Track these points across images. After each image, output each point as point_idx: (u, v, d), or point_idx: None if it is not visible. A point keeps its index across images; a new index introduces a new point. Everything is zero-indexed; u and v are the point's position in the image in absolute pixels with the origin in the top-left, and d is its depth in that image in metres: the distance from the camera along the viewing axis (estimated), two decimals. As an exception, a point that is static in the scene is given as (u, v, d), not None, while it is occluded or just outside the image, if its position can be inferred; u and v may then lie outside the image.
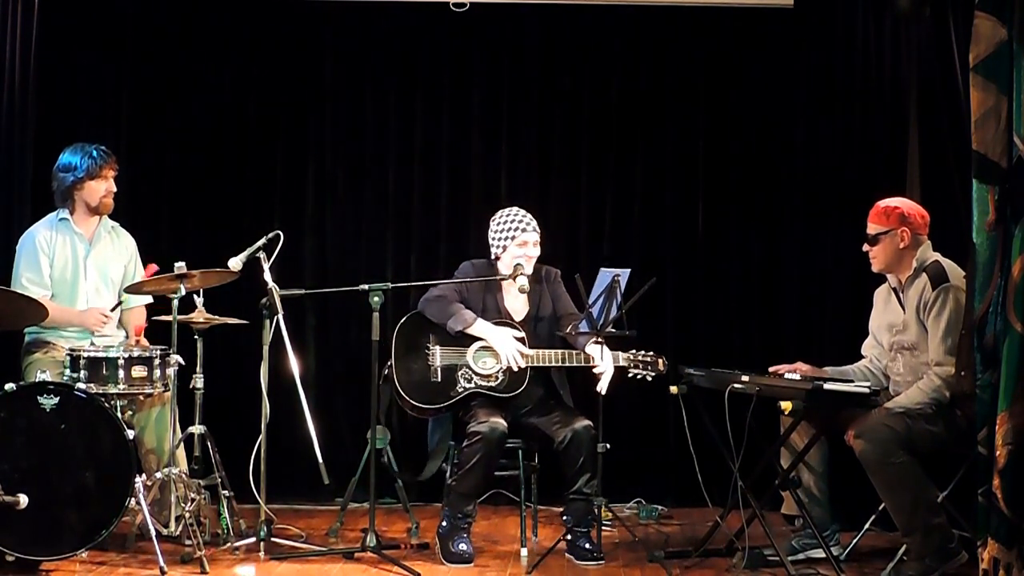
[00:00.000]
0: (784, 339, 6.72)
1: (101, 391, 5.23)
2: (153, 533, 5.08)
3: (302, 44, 6.98)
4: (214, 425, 5.53)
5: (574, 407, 5.63)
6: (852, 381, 5.19)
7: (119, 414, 5.20)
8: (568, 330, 5.54)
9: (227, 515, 5.49)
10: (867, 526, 5.65)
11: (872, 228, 5.31)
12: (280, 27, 6.94)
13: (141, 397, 5.47)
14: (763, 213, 6.91)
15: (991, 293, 4.56)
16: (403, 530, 6.01)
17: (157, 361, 5.35)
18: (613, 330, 5.33)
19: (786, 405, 4.97)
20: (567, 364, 5.55)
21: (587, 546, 5.40)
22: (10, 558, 4.95)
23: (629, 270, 5.32)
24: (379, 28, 6.94)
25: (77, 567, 5.12)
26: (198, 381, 5.43)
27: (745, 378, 5.19)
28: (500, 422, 5.34)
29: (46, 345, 5.64)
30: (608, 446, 5.30)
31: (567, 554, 5.45)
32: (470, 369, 5.53)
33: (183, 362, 5.39)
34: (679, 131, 6.95)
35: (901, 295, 5.31)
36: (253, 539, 5.38)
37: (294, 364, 5.32)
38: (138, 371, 5.31)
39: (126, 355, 5.31)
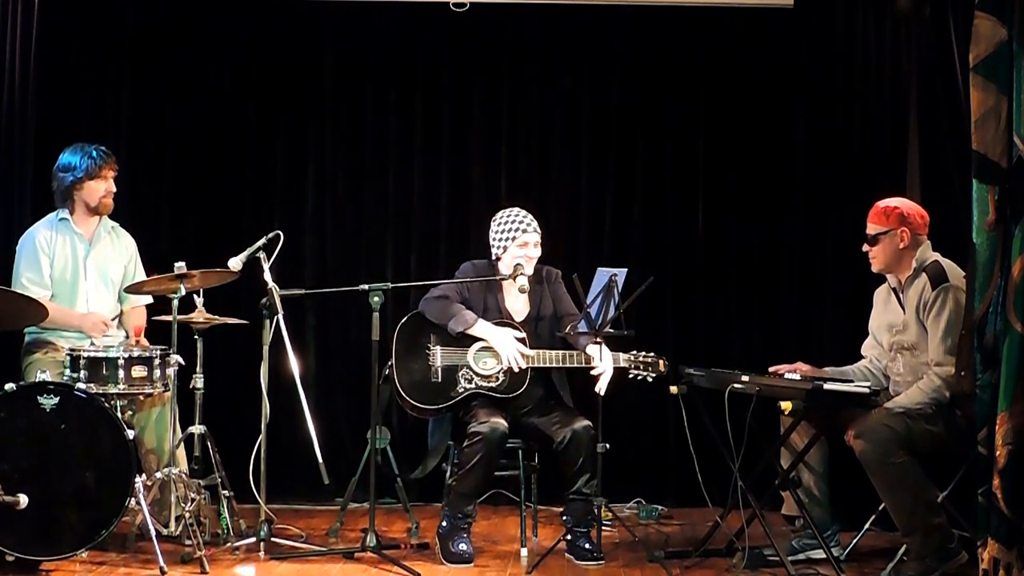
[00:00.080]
0: (784, 339, 6.72)
1: (101, 391, 5.23)
2: (153, 533, 5.08)
3: (302, 44, 6.98)
4: (214, 425, 5.53)
5: (574, 407, 5.63)
6: (852, 381, 5.19)
7: (119, 414, 5.20)
8: (567, 330, 5.54)
9: (227, 515, 5.49)
10: (867, 526, 5.65)
11: (872, 228, 5.31)
12: (280, 27, 6.94)
13: (141, 397, 5.47)
14: (763, 213, 6.91)
15: (991, 293, 4.56)
16: (403, 530, 6.01)
17: (157, 361, 5.35)
18: (611, 330, 5.34)
19: (786, 405, 4.97)
20: (568, 365, 5.55)
21: (587, 546, 5.40)
22: (10, 558, 4.95)
23: (626, 269, 5.32)
24: (379, 28, 6.94)
25: (77, 567, 5.12)
26: (198, 381, 5.43)
27: (745, 378, 5.19)
28: (501, 422, 5.34)
29: (46, 345, 5.64)
30: (608, 446, 5.30)
31: (567, 554, 5.45)
32: (471, 369, 5.53)
33: (183, 362, 5.39)
34: (679, 131, 6.95)
35: (901, 295, 5.31)
36: (253, 539, 5.38)
37: (294, 364, 5.32)
38: (138, 371, 5.31)
39: (126, 355, 5.31)
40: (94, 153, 5.71)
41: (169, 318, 5.33)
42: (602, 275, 5.29)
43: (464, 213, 6.95)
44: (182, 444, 5.49)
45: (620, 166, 6.97)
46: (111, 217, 5.86)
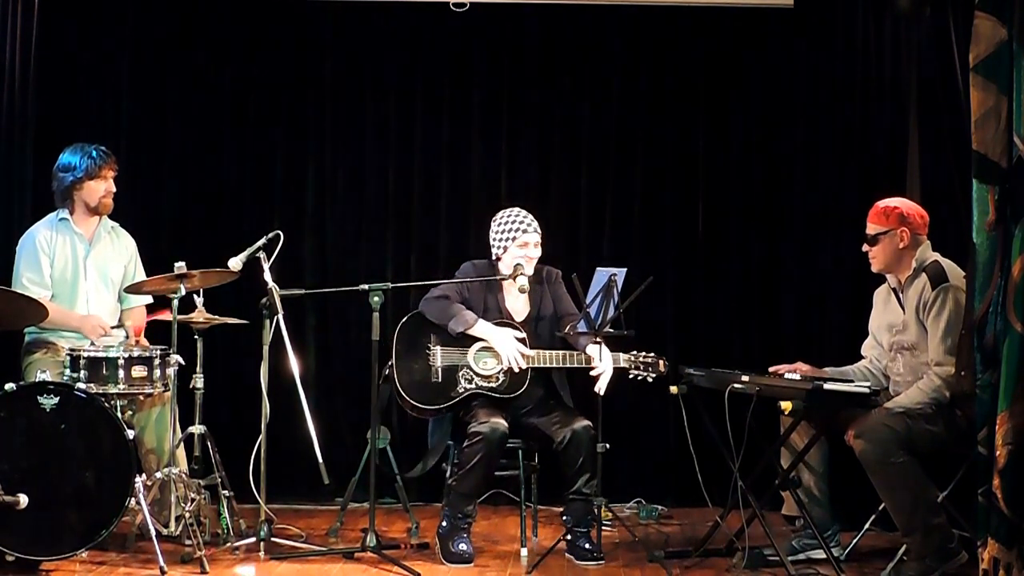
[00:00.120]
0: (784, 339, 6.72)
1: (101, 391, 5.22)
2: (153, 533, 5.08)
3: (302, 44, 6.98)
4: (214, 425, 5.53)
5: (574, 407, 5.63)
6: (852, 381, 5.19)
7: (119, 414, 5.20)
8: (567, 330, 5.54)
9: (227, 515, 5.49)
10: (867, 526, 5.65)
11: (871, 228, 5.31)
12: (280, 27, 6.94)
13: (141, 397, 5.47)
14: (763, 213, 6.91)
15: (991, 293, 4.56)
16: (403, 530, 6.01)
17: (157, 361, 5.35)
18: (611, 330, 5.34)
19: (786, 405, 4.97)
20: (568, 365, 5.55)
21: (587, 546, 5.40)
22: (10, 558, 4.95)
23: (625, 269, 5.32)
24: (379, 28, 6.94)
25: (77, 567, 5.12)
26: (198, 381, 5.43)
27: (745, 378, 5.19)
28: (501, 422, 5.34)
29: (46, 345, 5.64)
30: (608, 446, 5.30)
31: (567, 554, 5.45)
32: (471, 369, 5.53)
33: (183, 362, 5.39)
34: (679, 131, 6.95)
35: (901, 295, 5.31)
36: (253, 539, 5.38)
37: (294, 364, 5.32)
38: (138, 371, 5.31)
39: (126, 355, 5.31)
40: (94, 153, 5.71)
41: (169, 318, 5.33)
42: (601, 275, 5.29)
43: (464, 213, 6.95)
44: (182, 444, 5.49)
45: (620, 166, 6.97)
46: (111, 217, 5.86)
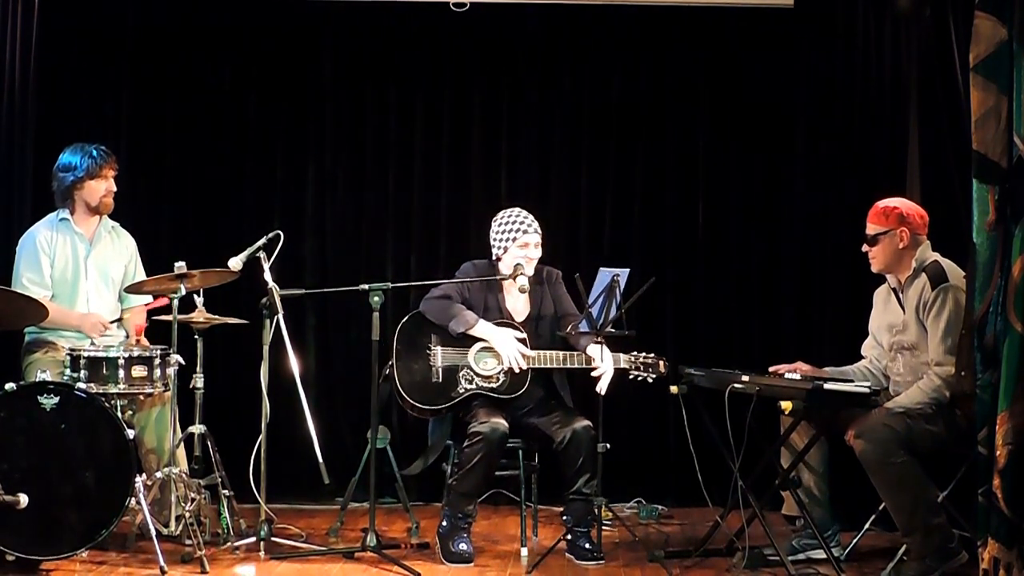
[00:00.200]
0: (784, 339, 6.72)
1: (101, 391, 5.23)
2: (153, 533, 5.08)
3: (302, 44, 6.98)
4: (214, 425, 5.53)
5: (574, 407, 5.63)
6: (852, 381, 5.19)
7: (119, 414, 5.20)
8: (568, 330, 5.54)
9: (227, 515, 5.49)
10: (867, 526, 5.65)
11: (871, 228, 5.31)
12: (280, 27, 6.94)
13: (141, 397, 5.47)
14: (763, 213, 6.91)
15: (991, 293, 4.56)
16: (403, 530, 6.01)
17: (157, 361, 5.35)
18: (613, 330, 5.34)
19: (786, 405, 4.97)
20: (568, 366, 5.55)
21: (587, 546, 5.40)
22: (10, 558, 4.95)
23: (628, 270, 5.32)
24: (379, 28, 6.94)
25: (77, 567, 5.12)
26: (198, 381, 5.43)
27: (745, 378, 5.19)
28: (501, 422, 5.34)
29: (46, 345, 5.64)
30: (608, 446, 5.30)
31: (567, 554, 5.45)
32: (471, 370, 5.53)
33: (183, 362, 5.39)
34: (679, 131, 6.95)
35: (901, 295, 5.31)
36: (253, 539, 5.38)
37: (294, 364, 5.32)
38: (138, 371, 5.31)
39: (126, 355, 5.31)
40: (94, 153, 5.71)
41: (169, 318, 5.33)
42: (604, 275, 5.29)
43: (464, 213, 6.95)
44: (182, 444, 5.49)
45: (620, 166, 6.98)
46: (111, 217, 5.86)
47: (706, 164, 6.94)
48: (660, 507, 6.54)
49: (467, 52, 6.98)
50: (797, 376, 5.19)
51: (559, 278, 5.75)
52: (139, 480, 5.16)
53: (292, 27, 6.93)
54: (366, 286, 5.39)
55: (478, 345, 5.54)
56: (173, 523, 5.35)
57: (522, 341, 5.52)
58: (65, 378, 5.26)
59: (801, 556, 5.39)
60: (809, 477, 5.41)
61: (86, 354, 5.28)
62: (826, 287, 6.75)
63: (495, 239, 5.66)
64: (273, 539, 5.42)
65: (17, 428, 5.00)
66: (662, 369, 5.52)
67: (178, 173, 6.92)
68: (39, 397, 5.03)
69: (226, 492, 5.53)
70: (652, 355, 5.53)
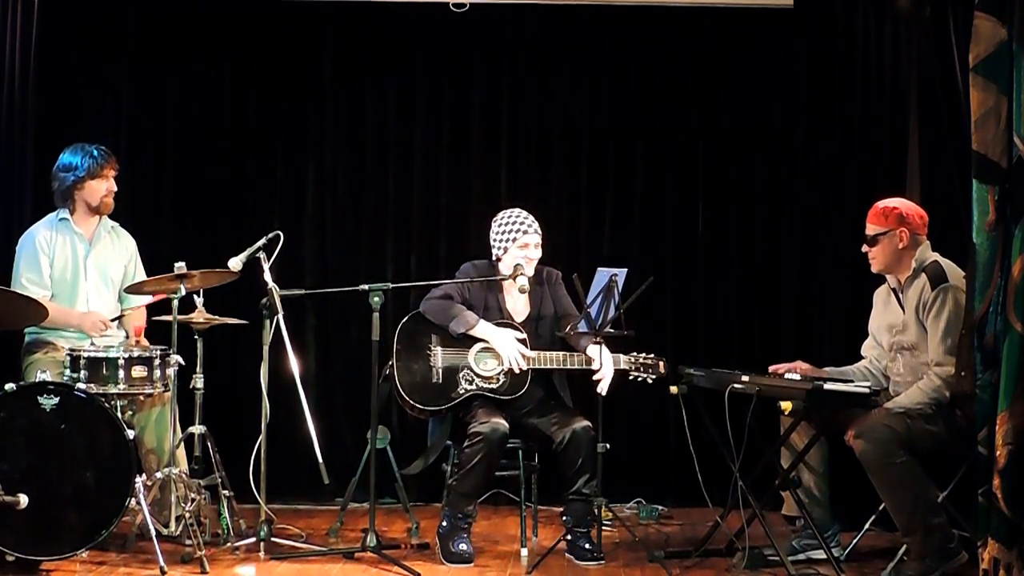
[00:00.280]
0: (784, 339, 6.72)
1: (101, 391, 5.22)
2: (153, 533, 5.08)
3: (302, 44, 6.97)
4: (214, 425, 5.53)
5: (574, 407, 5.63)
6: (852, 381, 5.19)
7: (119, 414, 5.20)
8: (567, 330, 5.54)
9: (227, 515, 5.49)
10: (867, 526, 5.65)
11: (871, 229, 5.31)
12: (280, 27, 6.94)
13: (141, 397, 5.46)
14: (763, 213, 6.91)
15: (991, 293, 4.56)
16: (403, 530, 6.01)
17: (157, 361, 5.35)
18: (611, 330, 5.33)
19: (786, 405, 4.97)
20: (568, 366, 5.55)
21: (587, 546, 5.40)
22: (10, 558, 4.95)
23: (626, 270, 5.32)
24: (379, 28, 6.94)
25: (77, 567, 5.12)
26: (198, 381, 5.43)
27: (745, 378, 5.19)
28: (501, 423, 5.34)
29: (46, 345, 5.64)
30: (608, 446, 5.30)
31: (567, 554, 5.45)
32: (471, 370, 5.53)
33: (183, 362, 5.39)
34: (679, 131, 6.94)
35: (900, 295, 5.31)
36: (253, 539, 5.38)
37: (294, 364, 5.32)
38: (138, 371, 5.31)
39: (126, 355, 5.31)
40: (95, 153, 5.71)
41: (169, 318, 5.33)
42: (602, 275, 5.28)
43: (464, 213, 6.94)
44: (182, 444, 5.49)
45: (620, 166, 6.97)
46: (111, 217, 5.86)
47: (706, 164, 6.94)
48: (660, 507, 6.54)
49: (467, 52, 6.98)
50: (797, 376, 5.19)
51: (559, 278, 5.75)
52: (139, 480, 5.16)
53: (292, 26, 6.93)
54: (366, 286, 5.39)
55: (478, 345, 5.54)
56: (173, 523, 5.35)
57: (522, 341, 5.52)
58: (65, 378, 5.26)
59: (801, 556, 5.39)
60: (809, 477, 5.41)
61: (86, 354, 5.28)
62: (826, 287, 6.75)
63: (495, 239, 5.66)
64: (273, 539, 5.42)
65: (17, 428, 5.00)
66: (662, 370, 5.51)
67: (178, 173, 6.92)
68: (39, 397, 5.03)
69: (226, 492, 5.53)
70: (652, 356, 5.53)
